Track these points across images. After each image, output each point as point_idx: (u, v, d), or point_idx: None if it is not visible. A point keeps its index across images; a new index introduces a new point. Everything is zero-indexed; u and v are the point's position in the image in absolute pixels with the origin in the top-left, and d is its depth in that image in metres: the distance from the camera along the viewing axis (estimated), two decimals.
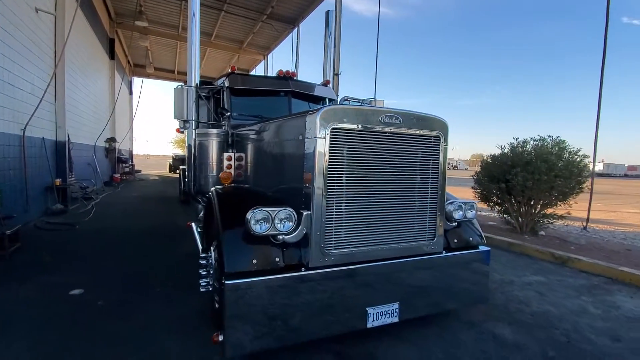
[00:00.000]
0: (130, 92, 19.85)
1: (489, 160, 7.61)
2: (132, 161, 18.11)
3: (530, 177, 6.37)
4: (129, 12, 12.76)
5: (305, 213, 2.30)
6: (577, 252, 5.22)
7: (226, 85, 4.42)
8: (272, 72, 18.41)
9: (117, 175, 13.86)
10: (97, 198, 9.16)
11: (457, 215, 2.90)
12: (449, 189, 2.96)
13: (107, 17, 12.92)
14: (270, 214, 2.19)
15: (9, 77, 5.43)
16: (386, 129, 2.47)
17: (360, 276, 2.44)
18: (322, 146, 2.28)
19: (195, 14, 4.91)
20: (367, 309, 2.46)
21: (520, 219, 6.98)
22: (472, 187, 7.86)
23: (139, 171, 19.81)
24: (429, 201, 2.73)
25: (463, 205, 2.94)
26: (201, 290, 2.59)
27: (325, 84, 5.13)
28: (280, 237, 2.25)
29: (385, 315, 2.54)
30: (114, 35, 13.67)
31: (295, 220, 2.26)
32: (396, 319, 2.56)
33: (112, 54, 13.62)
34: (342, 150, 2.37)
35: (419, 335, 2.74)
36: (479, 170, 7.94)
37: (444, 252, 2.84)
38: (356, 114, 2.39)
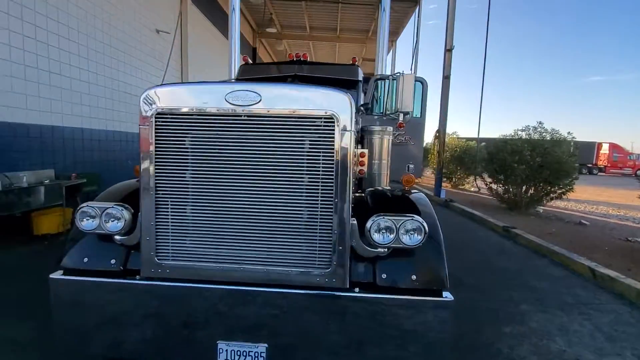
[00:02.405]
0: None
1: None
2: None
3: None
4: (266, 22, 14.49)
5: (140, 213, 1.99)
6: None
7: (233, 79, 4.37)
8: (399, 59, 17.17)
9: None
10: None
11: (380, 238, 1.88)
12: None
13: (249, 29, 15.10)
14: (98, 210, 1.99)
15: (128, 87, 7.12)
16: (239, 111, 1.83)
17: (207, 299, 1.92)
18: (146, 135, 1.89)
19: (235, 9, 5.06)
20: (217, 342, 1.93)
21: None
22: None
23: None
24: (319, 211, 1.88)
25: (394, 224, 1.87)
26: None
27: (353, 62, 4.34)
28: (117, 237, 2.02)
29: (245, 356, 1.93)
30: (257, 45, 15.86)
31: (126, 220, 1.98)
32: None
33: (254, 62, 15.89)
34: (183, 140, 1.90)
35: None
36: None
37: (357, 290, 1.91)
38: (191, 94, 1.87)
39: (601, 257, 4.80)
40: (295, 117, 1.82)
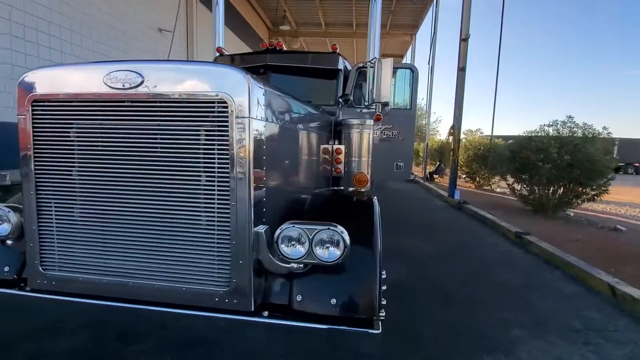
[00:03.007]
0: None
1: None
2: None
3: None
4: (280, 19, 14.29)
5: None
6: None
7: None
8: (418, 53, 16.38)
9: None
10: None
11: (289, 251, 1.52)
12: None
13: (264, 28, 14.97)
14: None
15: None
16: (121, 95, 1.54)
17: (92, 316, 1.66)
18: (24, 125, 1.64)
19: (219, 3, 4.82)
20: None
21: None
22: None
23: None
24: (216, 217, 1.54)
25: (307, 234, 1.50)
26: None
27: (333, 50, 3.95)
28: (8, 242, 1.80)
29: None
30: None
31: (13, 223, 1.75)
32: None
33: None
34: (67, 132, 1.64)
35: None
36: None
37: (266, 314, 1.56)
38: (69, 77, 1.59)
39: (632, 271, 4.09)
40: (185, 102, 1.50)
